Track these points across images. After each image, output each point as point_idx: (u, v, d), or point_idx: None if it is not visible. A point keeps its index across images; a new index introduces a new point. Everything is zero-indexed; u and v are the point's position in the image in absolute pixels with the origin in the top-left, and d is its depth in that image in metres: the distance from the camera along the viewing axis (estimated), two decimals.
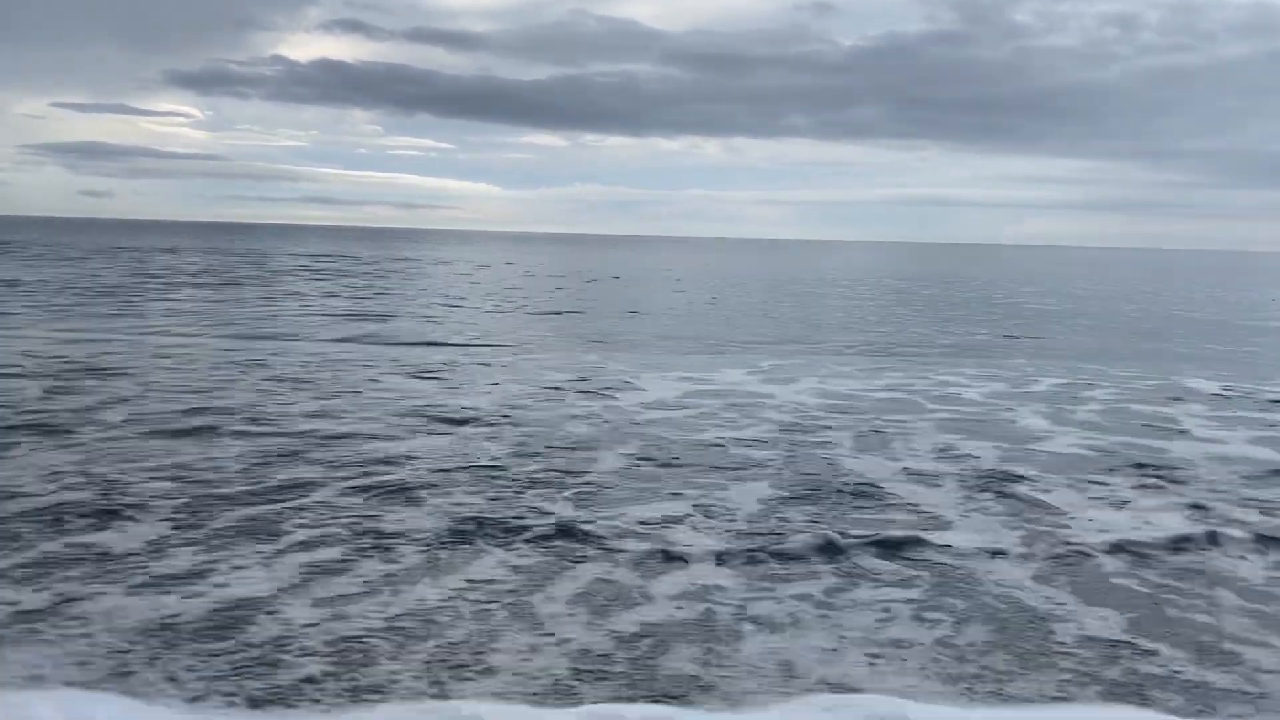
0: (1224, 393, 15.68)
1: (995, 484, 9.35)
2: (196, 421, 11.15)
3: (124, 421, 11.04)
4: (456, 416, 11.99)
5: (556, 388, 14.39)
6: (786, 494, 8.81)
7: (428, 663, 5.25)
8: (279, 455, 9.63)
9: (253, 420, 11.31)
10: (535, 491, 8.68)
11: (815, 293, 41.77)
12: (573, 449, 10.40)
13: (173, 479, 8.65)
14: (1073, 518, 8.28)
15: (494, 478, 9.08)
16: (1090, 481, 9.52)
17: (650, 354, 18.70)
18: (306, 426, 11.08)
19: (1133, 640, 5.79)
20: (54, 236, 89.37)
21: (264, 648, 5.35)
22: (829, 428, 11.89)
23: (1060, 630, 5.91)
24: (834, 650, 5.53)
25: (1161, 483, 9.54)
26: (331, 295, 31.68)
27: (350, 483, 8.70)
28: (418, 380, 14.91)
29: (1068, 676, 5.30)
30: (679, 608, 6.12)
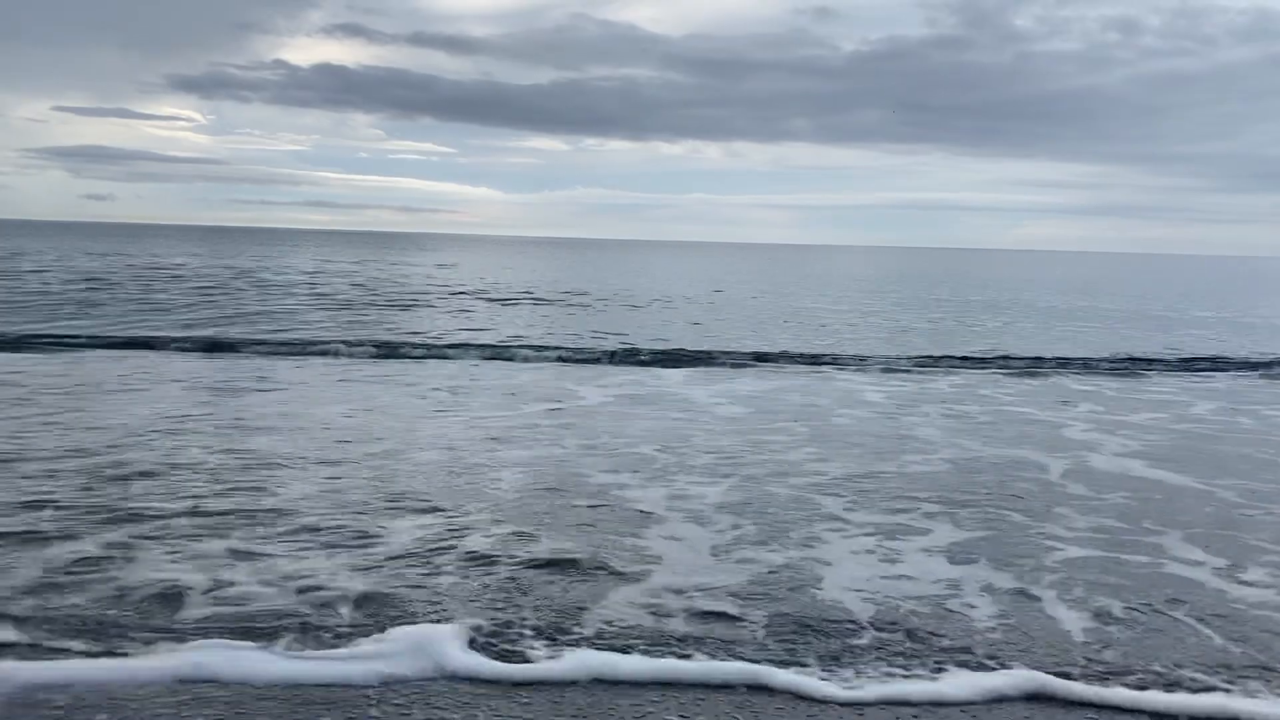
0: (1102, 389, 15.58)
1: (770, 514, 7.94)
2: None
3: None
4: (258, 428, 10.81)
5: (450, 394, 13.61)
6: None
7: None
8: None
9: None
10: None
11: (816, 297, 41.53)
12: (276, 476, 8.71)
13: None
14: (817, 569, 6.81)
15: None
16: (898, 509, 8.17)
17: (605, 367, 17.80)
18: None
19: None
20: (67, 242, 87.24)
21: None
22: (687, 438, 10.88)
23: None
24: None
25: (980, 511, 8.20)
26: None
27: None
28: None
29: None
30: None
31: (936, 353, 20.44)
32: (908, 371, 18.10)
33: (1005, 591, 6.20)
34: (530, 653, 5.07)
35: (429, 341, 20.14)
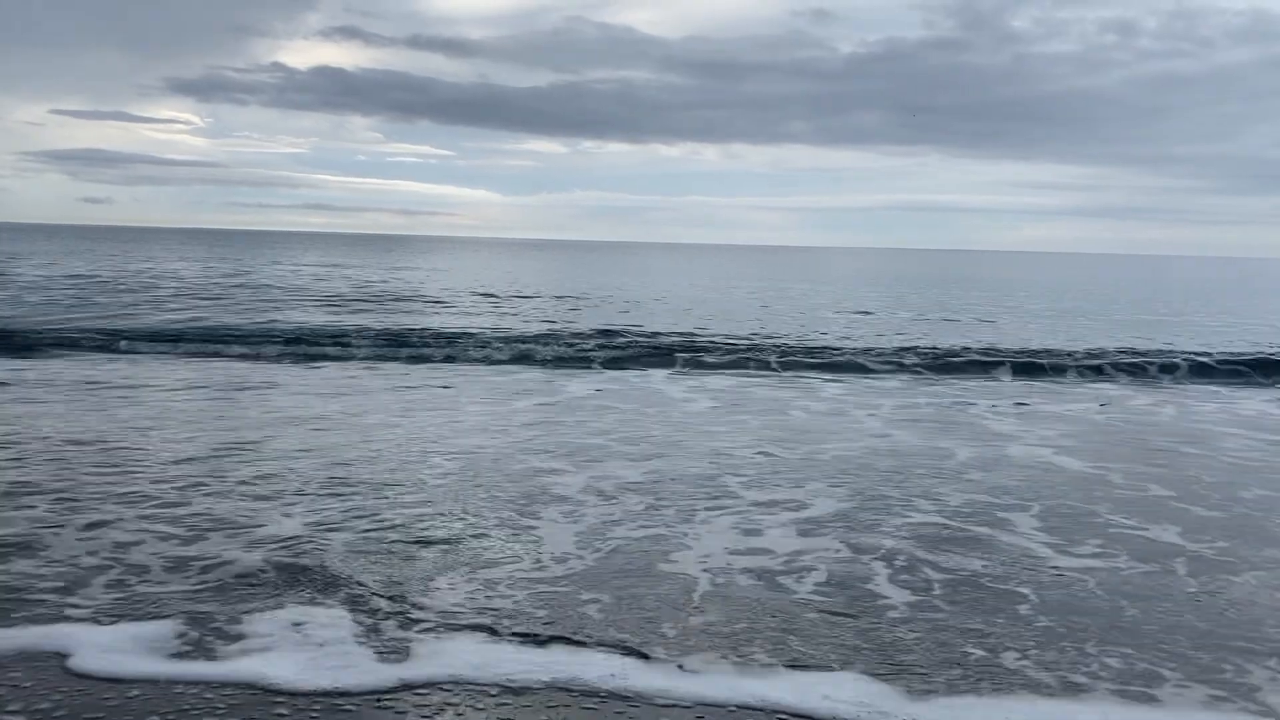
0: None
1: (671, 493, 8.52)
2: None
3: None
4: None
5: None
6: None
7: None
8: None
9: None
10: None
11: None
12: (209, 465, 9.15)
13: None
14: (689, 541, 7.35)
15: None
16: (791, 486, 8.78)
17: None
18: None
19: None
20: (67, 245, 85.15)
21: None
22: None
23: None
24: None
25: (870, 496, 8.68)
26: None
27: None
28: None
29: None
30: None
31: (914, 350, 20.86)
32: (878, 369, 18.69)
33: (844, 565, 6.64)
34: (367, 638, 5.30)
35: (424, 343, 20.41)
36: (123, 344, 19.05)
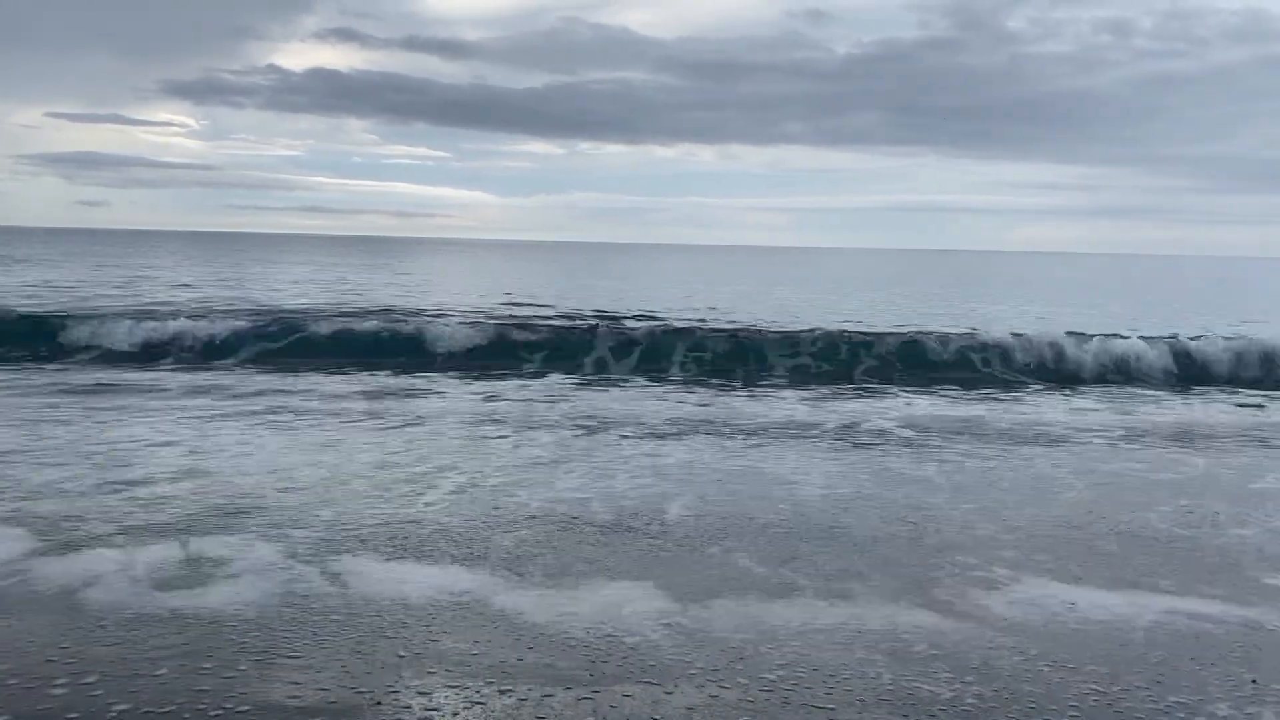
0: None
1: (567, 449, 10.09)
2: None
3: None
4: None
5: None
6: None
7: None
8: None
9: None
10: None
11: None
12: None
13: None
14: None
15: None
16: (667, 444, 10.46)
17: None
18: None
19: None
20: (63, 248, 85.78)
21: None
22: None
23: None
24: None
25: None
26: None
27: None
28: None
29: None
30: None
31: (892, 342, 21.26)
32: (832, 361, 19.54)
33: (657, 499, 8.07)
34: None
35: (412, 340, 20.58)
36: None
